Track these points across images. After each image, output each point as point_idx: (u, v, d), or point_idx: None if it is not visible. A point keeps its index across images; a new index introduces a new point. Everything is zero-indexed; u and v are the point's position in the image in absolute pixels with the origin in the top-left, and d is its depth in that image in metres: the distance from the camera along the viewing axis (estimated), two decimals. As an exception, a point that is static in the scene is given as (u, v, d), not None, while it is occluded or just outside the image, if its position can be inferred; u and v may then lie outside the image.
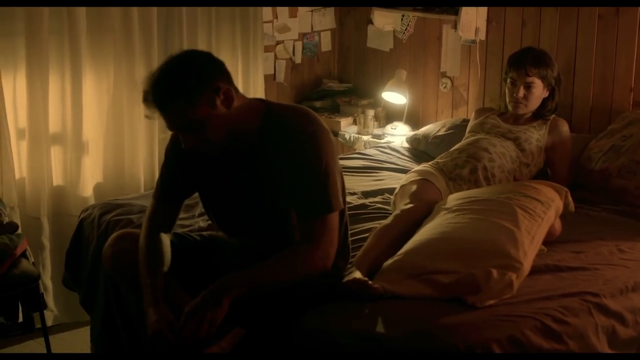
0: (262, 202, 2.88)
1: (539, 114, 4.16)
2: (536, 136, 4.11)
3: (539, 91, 4.09)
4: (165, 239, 2.97)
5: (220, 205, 3.03)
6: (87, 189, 4.46)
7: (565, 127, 4.18)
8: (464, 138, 4.28)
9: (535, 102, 4.12)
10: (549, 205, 3.35)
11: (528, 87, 4.07)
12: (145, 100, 2.73)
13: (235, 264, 2.89)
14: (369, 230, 3.57)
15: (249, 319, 2.75)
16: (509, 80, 4.13)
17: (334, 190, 2.81)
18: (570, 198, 3.49)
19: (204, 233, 3.27)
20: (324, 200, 2.79)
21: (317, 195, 2.79)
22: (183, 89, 2.66)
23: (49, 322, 4.27)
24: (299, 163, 2.78)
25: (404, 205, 3.62)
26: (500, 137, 4.10)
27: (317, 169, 2.78)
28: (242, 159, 2.85)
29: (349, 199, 3.89)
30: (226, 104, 2.74)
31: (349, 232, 3.15)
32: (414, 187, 3.77)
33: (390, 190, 4.11)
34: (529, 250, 3.10)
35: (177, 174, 3.01)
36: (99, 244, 3.69)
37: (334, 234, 2.81)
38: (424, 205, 3.59)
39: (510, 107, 4.17)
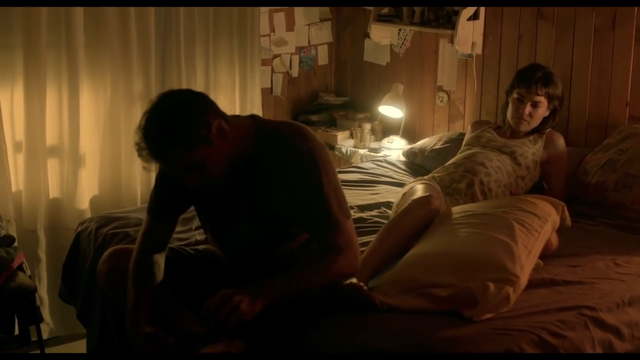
0: (258, 218, 2.87)
1: (536, 129, 4.17)
2: (532, 150, 4.12)
3: (543, 110, 4.11)
4: (159, 259, 2.95)
5: (213, 220, 3.02)
6: (84, 201, 4.46)
7: (561, 141, 4.19)
8: (459, 151, 4.29)
9: (537, 120, 4.14)
10: (546, 220, 3.36)
11: (534, 105, 4.09)
12: (140, 154, 2.67)
13: (229, 278, 2.89)
14: (366, 243, 3.57)
15: (251, 332, 2.75)
16: (515, 95, 4.13)
17: (340, 200, 2.83)
18: (567, 213, 3.49)
19: (199, 247, 3.26)
20: (332, 213, 2.80)
21: (324, 210, 2.79)
22: (177, 137, 2.62)
23: (45, 335, 4.26)
24: (300, 181, 2.78)
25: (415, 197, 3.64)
26: (496, 151, 4.11)
27: (319, 184, 2.78)
28: (238, 176, 2.84)
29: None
30: (221, 137, 2.70)
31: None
32: (422, 186, 3.79)
33: (387, 204, 4.12)
34: (525, 264, 3.10)
35: (172, 190, 2.97)
36: (95, 257, 3.69)
37: (353, 239, 2.85)
38: (436, 198, 3.60)
39: (512, 123, 4.17)
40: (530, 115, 4.10)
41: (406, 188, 3.94)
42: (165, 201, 3.00)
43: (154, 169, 2.82)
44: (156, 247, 2.96)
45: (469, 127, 4.52)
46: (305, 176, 2.78)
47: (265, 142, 2.82)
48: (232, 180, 2.84)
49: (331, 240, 2.80)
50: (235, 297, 2.61)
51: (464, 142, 4.37)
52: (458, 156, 4.19)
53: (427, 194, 3.65)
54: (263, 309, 2.69)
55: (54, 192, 4.42)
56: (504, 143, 4.16)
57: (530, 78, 4.09)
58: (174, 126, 2.62)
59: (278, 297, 2.70)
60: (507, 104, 4.23)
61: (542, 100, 4.08)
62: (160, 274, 2.92)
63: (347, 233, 2.83)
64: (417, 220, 3.50)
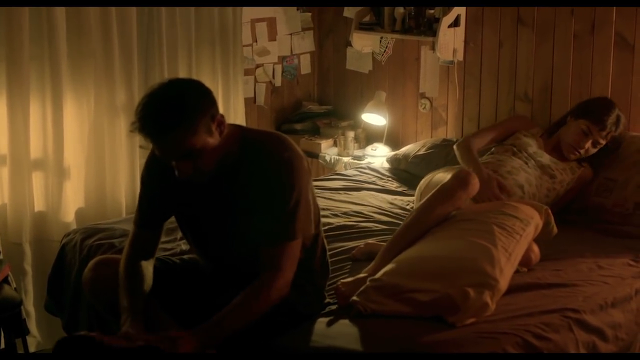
0: (238, 228, 2.89)
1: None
2: (568, 180, 4.10)
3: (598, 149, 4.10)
4: (148, 268, 2.96)
5: (195, 228, 3.03)
6: (69, 214, 4.45)
7: (589, 179, 4.15)
8: (499, 142, 4.25)
9: (588, 155, 4.11)
10: (528, 222, 3.36)
11: (595, 144, 4.05)
12: (142, 128, 2.65)
13: (213, 286, 2.91)
14: (349, 250, 3.62)
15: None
16: (583, 126, 4.03)
17: (300, 217, 2.83)
18: (552, 217, 3.49)
19: (185, 256, 3.27)
20: (290, 227, 2.81)
21: (284, 222, 2.80)
22: (184, 116, 2.63)
23: (32, 348, 4.26)
24: (272, 190, 2.79)
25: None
26: (539, 169, 4.08)
27: (288, 196, 2.79)
28: (221, 181, 2.86)
29: (329, 220, 3.94)
30: (220, 132, 2.74)
31: (328, 252, 3.19)
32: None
33: (371, 210, 4.15)
34: (505, 267, 3.11)
35: (155, 198, 3.00)
36: (81, 269, 3.67)
37: (295, 261, 2.84)
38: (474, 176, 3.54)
39: (565, 148, 4.11)
40: (587, 151, 4.07)
41: (428, 178, 3.99)
42: (148, 209, 3.02)
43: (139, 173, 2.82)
44: (144, 255, 2.98)
45: (522, 119, 4.50)
46: (278, 185, 2.79)
47: (248, 150, 2.83)
48: (214, 185, 2.85)
49: (276, 257, 2.79)
50: (179, 344, 2.60)
51: (509, 128, 4.32)
52: (500, 158, 4.11)
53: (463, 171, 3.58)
54: None
55: (39, 204, 4.42)
56: (548, 164, 4.11)
57: (605, 119, 4.01)
58: (183, 105, 2.64)
59: (218, 341, 2.69)
60: (564, 123, 4.18)
61: (604, 142, 4.05)
62: (149, 282, 2.93)
63: (293, 253, 2.83)
64: (454, 201, 3.45)
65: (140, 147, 2.79)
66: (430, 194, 3.52)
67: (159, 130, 2.64)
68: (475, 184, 3.48)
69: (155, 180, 2.98)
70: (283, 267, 2.80)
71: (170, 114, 2.62)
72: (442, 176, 3.82)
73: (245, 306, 2.75)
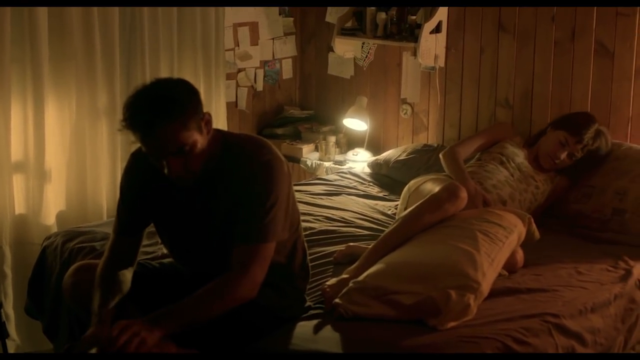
0: (217, 232, 2.88)
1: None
2: (548, 190, 4.15)
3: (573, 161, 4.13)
4: (126, 275, 2.95)
5: (175, 234, 3.02)
6: (50, 217, 4.44)
7: (566, 187, 4.19)
8: (485, 149, 4.27)
9: (564, 166, 4.14)
10: (511, 231, 3.39)
11: (571, 156, 4.09)
12: (133, 124, 2.64)
13: (192, 292, 2.91)
14: (331, 254, 3.63)
15: (204, 341, 2.77)
16: (561, 137, 4.07)
17: (276, 221, 2.82)
18: (534, 225, 3.53)
19: (165, 260, 3.26)
20: (263, 229, 2.80)
21: (258, 223, 2.79)
22: (177, 111, 2.63)
23: (11, 351, 4.24)
24: (250, 191, 2.79)
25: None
26: (524, 182, 4.11)
27: (265, 198, 2.79)
28: (202, 189, 2.85)
29: (311, 224, 3.94)
30: (207, 131, 2.75)
31: (310, 256, 3.20)
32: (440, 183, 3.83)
33: (352, 215, 4.16)
34: (487, 272, 3.13)
35: (134, 205, 2.99)
36: (62, 272, 3.67)
37: (265, 264, 2.82)
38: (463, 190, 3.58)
39: (543, 158, 4.15)
40: (562, 161, 4.10)
41: (416, 183, 4.01)
42: (128, 216, 3.00)
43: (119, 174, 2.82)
44: (122, 262, 2.96)
45: (507, 126, 4.52)
46: (256, 186, 2.79)
47: (229, 154, 2.84)
48: (197, 188, 2.85)
49: (247, 257, 2.78)
50: (132, 326, 2.58)
51: (495, 137, 4.33)
52: (487, 168, 4.13)
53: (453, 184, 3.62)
54: (216, 322, 2.71)
55: (19, 207, 4.40)
56: (532, 175, 4.15)
57: (583, 132, 4.05)
58: (174, 100, 2.64)
59: (178, 327, 2.67)
60: (545, 134, 4.21)
61: (579, 155, 4.08)
62: (126, 287, 2.92)
63: (264, 255, 2.81)
64: (442, 213, 3.48)
65: (133, 142, 2.76)
66: (419, 202, 3.56)
67: (151, 124, 2.63)
68: (464, 199, 3.53)
69: (136, 187, 2.97)
70: (252, 268, 2.77)
71: (162, 108, 2.62)
72: (431, 187, 3.84)
73: (207, 302, 2.72)
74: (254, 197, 2.79)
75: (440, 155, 4.20)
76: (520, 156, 4.21)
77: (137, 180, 2.96)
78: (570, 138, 4.07)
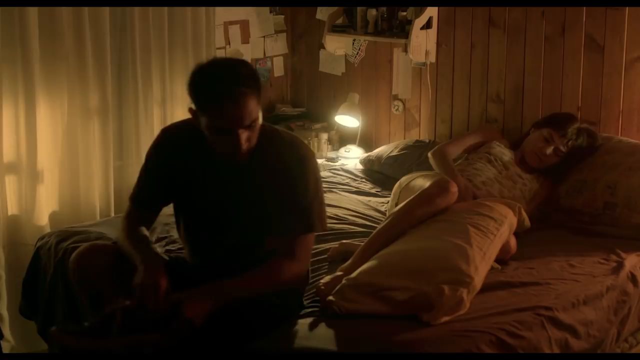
0: (253, 213, 2.91)
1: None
2: (534, 187, 4.15)
3: (559, 159, 4.14)
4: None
5: (201, 214, 3.00)
6: (43, 217, 4.43)
7: (550, 189, 4.20)
8: (475, 150, 4.28)
9: (551, 163, 4.15)
10: (502, 222, 3.41)
11: (557, 152, 4.10)
12: (220, 91, 2.66)
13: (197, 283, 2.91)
14: (324, 251, 3.63)
15: (201, 341, 2.75)
16: (546, 133, 4.10)
17: (320, 210, 2.91)
18: (524, 214, 3.56)
19: (172, 254, 3.25)
20: (310, 219, 2.88)
21: (304, 213, 2.86)
22: (258, 83, 2.72)
23: (6, 352, 4.24)
24: (293, 180, 2.85)
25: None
26: (511, 179, 4.12)
27: (308, 188, 2.87)
28: (247, 167, 2.86)
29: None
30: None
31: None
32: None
33: (345, 212, 4.16)
34: (480, 266, 3.15)
35: (160, 180, 2.99)
36: (55, 273, 3.69)
37: (309, 255, 2.95)
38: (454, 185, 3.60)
39: (529, 156, 4.17)
40: (549, 158, 4.11)
41: (407, 179, 4.02)
42: (151, 190, 3.01)
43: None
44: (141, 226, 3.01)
45: (490, 129, 4.53)
46: (299, 176, 2.85)
47: (269, 141, 2.86)
48: (246, 166, 2.86)
49: (292, 246, 2.85)
50: (186, 305, 2.64)
51: (484, 136, 4.36)
52: (475, 166, 4.14)
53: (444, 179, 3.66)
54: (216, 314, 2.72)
55: (12, 208, 4.40)
56: (519, 173, 4.16)
57: (567, 126, 4.10)
58: (256, 74, 2.74)
59: (227, 299, 2.73)
60: (527, 135, 4.24)
61: (565, 150, 4.09)
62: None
63: (309, 245, 2.91)
64: (433, 208, 3.52)
65: (189, 110, 2.81)
66: (410, 198, 3.57)
67: (241, 93, 2.67)
68: (455, 193, 3.56)
69: (166, 163, 2.97)
70: (300, 257, 2.87)
71: (249, 79, 2.69)
72: (422, 182, 3.85)
73: (258, 281, 2.81)
74: (300, 188, 2.86)
75: (429, 154, 4.20)
76: (507, 155, 4.22)
77: (168, 156, 2.95)
78: (554, 133, 4.09)
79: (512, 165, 4.18)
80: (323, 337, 2.83)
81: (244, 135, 2.73)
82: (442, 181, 3.59)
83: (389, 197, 4.41)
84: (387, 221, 3.52)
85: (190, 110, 2.81)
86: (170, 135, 3.00)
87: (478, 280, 3.09)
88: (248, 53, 5.50)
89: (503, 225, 3.39)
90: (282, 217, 2.86)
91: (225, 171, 2.89)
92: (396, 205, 3.83)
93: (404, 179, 4.11)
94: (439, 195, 3.52)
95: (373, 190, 4.65)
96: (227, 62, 2.83)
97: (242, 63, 2.79)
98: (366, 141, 5.39)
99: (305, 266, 2.93)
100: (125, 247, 2.92)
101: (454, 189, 3.56)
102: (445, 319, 2.92)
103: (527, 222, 3.59)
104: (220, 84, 2.69)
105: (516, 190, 4.08)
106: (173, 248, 3.61)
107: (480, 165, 4.15)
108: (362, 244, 3.46)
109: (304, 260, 2.92)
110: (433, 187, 3.56)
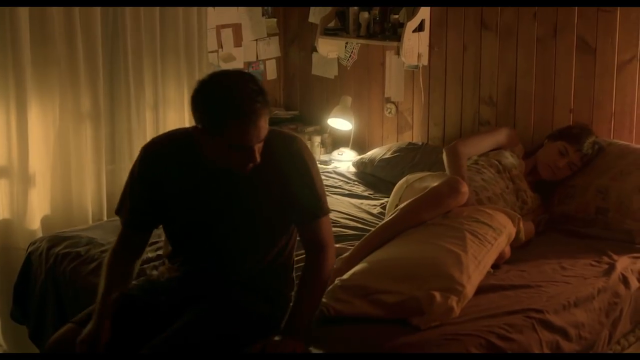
0: (254, 222, 2.91)
1: (545, 197, 4.16)
2: (532, 207, 4.10)
3: (570, 173, 4.11)
4: (134, 267, 2.99)
5: (198, 228, 2.95)
6: (35, 221, 4.43)
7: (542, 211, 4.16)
8: (488, 150, 4.23)
9: (562, 177, 4.12)
10: (501, 232, 3.39)
11: (571, 166, 4.08)
12: (239, 111, 2.63)
13: (174, 303, 2.90)
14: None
15: (190, 353, 2.72)
16: (561, 147, 4.07)
17: (324, 193, 2.98)
18: (522, 226, 3.54)
19: (145, 283, 3.12)
20: (324, 202, 2.96)
21: (320, 197, 2.93)
22: (266, 97, 2.72)
23: None
24: (302, 170, 2.88)
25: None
26: (515, 194, 4.06)
27: (316, 175, 2.92)
28: (237, 178, 2.83)
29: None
30: None
31: (296, 257, 3.18)
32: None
33: (338, 215, 4.16)
34: (473, 275, 3.13)
35: (150, 198, 2.92)
36: (47, 277, 3.69)
37: (332, 233, 3.01)
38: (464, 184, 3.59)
39: (541, 168, 4.14)
40: (563, 171, 4.08)
41: (411, 179, 4.01)
42: (142, 209, 2.95)
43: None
44: (132, 255, 2.99)
45: (512, 131, 4.43)
46: (303, 168, 2.88)
47: (266, 142, 2.82)
48: (253, 174, 2.83)
49: (317, 232, 2.92)
50: (289, 346, 2.73)
51: (498, 139, 4.29)
52: (484, 177, 4.03)
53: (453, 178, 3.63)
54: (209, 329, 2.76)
55: (4, 212, 4.39)
56: (525, 189, 4.11)
57: (583, 141, 4.06)
58: (265, 90, 2.73)
59: (307, 329, 2.83)
60: (541, 147, 4.22)
61: (579, 164, 4.07)
62: (129, 281, 2.96)
63: (329, 226, 2.98)
64: (442, 208, 3.51)
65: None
66: (419, 196, 3.55)
67: (260, 112, 2.67)
68: (465, 193, 3.53)
69: (156, 180, 2.90)
70: (327, 242, 2.94)
71: (263, 97, 2.69)
72: (431, 183, 3.76)
73: (314, 290, 2.89)
74: (308, 175, 2.90)
75: (444, 149, 4.11)
76: (517, 168, 4.16)
77: (154, 173, 2.89)
78: (569, 147, 4.06)
79: (519, 180, 4.12)
80: (312, 339, 2.81)
81: (258, 148, 2.73)
82: (452, 180, 3.56)
83: (381, 199, 4.41)
84: (392, 217, 3.50)
85: (196, 129, 2.74)
86: (154, 151, 2.92)
87: (470, 289, 3.08)
88: (240, 56, 5.50)
89: (501, 235, 3.37)
90: (301, 208, 2.91)
91: (222, 180, 2.85)
92: (398, 202, 3.81)
93: (410, 177, 4.06)
94: (450, 195, 3.50)
95: (366, 193, 4.65)
96: (235, 79, 2.72)
97: (250, 78, 2.73)
98: (359, 144, 5.39)
99: (334, 248, 3.00)
100: (99, 281, 2.90)
101: (465, 189, 3.53)
102: (435, 324, 2.91)
103: (522, 236, 3.57)
104: (236, 104, 2.64)
105: (516, 208, 4.03)
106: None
107: (489, 175, 4.06)
108: (358, 242, 3.46)
109: (333, 243, 2.99)
110: (443, 186, 3.53)
